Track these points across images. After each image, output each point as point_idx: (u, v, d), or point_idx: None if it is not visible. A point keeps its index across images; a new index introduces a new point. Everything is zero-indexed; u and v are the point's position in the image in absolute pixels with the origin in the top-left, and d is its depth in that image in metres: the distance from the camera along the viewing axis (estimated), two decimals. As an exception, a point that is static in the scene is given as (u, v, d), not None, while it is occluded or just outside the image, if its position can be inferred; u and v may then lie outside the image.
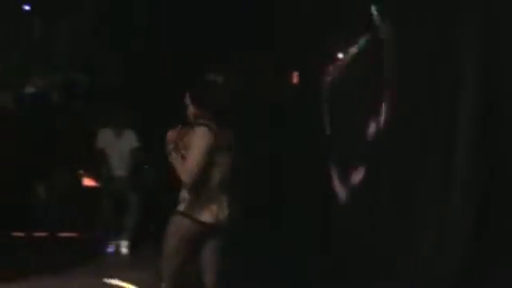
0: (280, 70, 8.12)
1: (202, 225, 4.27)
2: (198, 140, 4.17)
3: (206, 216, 4.28)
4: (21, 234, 7.93)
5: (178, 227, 4.30)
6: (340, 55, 7.13)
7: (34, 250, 7.09)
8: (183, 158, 4.21)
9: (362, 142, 6.25)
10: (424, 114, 5.24)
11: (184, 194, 4.28)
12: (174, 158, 4.25)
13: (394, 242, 5.52)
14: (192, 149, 4.17)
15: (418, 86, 5.29)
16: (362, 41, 6.47)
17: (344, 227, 6.56)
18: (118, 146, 7.82)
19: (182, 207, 4.29)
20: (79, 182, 8.45)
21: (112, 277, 6.54)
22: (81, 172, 8.37)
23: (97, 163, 7.87)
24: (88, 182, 8.36)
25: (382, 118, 5.92)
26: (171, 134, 4.26)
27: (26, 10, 9.51)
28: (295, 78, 8.18)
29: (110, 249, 7.91)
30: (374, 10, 6.20)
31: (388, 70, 5.77)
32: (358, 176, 6.45)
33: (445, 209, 4.94)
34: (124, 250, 7.91)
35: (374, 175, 6.11)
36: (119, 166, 7.88)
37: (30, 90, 9.06)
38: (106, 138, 7.86)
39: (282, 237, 7.09)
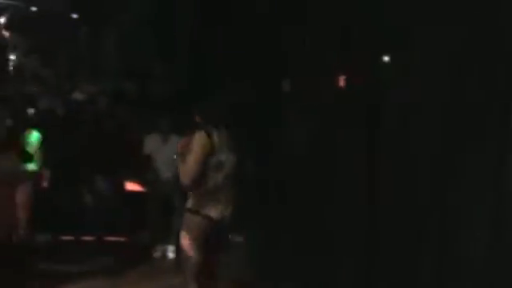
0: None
1: (210, 220, 4.60)
2: (196, 145, 4.49)
3: (212, 212, 4.61)
4: (69, 238, 7.89)
5: (190, 227, 4.61)
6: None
7: (82, 255, 7.17)
8: (183, 161, 4.54)
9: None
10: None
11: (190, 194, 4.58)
12: (179, 164, 4.59)
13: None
14: (190, 153, 4.51)
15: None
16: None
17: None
18: (165, 152, 7.77)
19: (189, 203, 4.64)
20: (126, 186, 8.36)
21: (159, 281, 6.72)
22: (127, 177, 8.33)
23: (144, 168, 7.93)
24: (133, 186, 8.34)
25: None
26: (181, 142, 4.64)
27: (74, 18, 9.73)
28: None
29: (157, 253, 7.91)
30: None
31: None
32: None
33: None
34: (171, 254, 7.88)
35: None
36: (166, 171, 7.85)
37: (78, 95, 9.17)
38: (152, 144, 7.91)
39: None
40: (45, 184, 7.55)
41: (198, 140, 4.56)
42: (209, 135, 4.58)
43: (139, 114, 8.40)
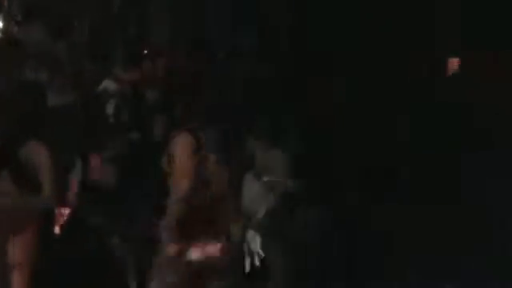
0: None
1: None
2: (178, 149, 4.58)
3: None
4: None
5: None
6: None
7: None
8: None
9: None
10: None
11: None
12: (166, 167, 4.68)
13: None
14: (175, 160, 4.61)
15: None
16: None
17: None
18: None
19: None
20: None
21: None
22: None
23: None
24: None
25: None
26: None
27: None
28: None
29: None
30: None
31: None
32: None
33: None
34: None
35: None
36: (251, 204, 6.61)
37: (110, 85, 7.70)
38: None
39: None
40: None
41: (180, 142, 4.64)
42: (191, 132, 4.66)
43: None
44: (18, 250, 5.20)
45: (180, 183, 4.59)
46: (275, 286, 6.32)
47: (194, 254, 4.62)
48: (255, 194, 6.33)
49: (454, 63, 7.31)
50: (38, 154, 5.25)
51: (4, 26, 7.99)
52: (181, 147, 4.59)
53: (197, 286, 4.79)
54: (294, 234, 6.46)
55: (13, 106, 5.46)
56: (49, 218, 5.66)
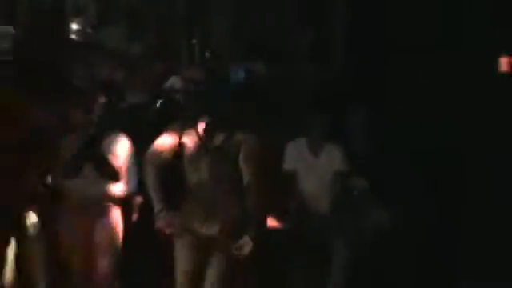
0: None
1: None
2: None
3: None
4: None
5: None
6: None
7: None
8: None
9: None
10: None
11: None
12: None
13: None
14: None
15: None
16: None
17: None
18: (315, 170, 6.48)
19: None
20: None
21: None
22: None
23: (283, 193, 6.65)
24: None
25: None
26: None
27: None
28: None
29: None
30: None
31: None
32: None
33: None
34: None
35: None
36: (317, 201, 6.51)
37: (176, 83, 8.07)
38: (295, 152, 6.70)
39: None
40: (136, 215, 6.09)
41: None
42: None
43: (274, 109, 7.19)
44: (102, 236, 5.55)
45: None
46: (336, 277, 6.44)
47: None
48: (322, 184, 6.46)
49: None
50: (119, 145, 5.64)
51: (81, 29, 8.49)
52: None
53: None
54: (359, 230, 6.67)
55: (95, 101, 5.83)
56: (129, 206, 5.97)
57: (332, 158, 6.39)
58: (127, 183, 5.71)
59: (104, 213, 5.61)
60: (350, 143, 6.80)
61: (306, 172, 6.37)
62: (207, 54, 8.49)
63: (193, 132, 5.07)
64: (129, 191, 5.76)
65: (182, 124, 5.08)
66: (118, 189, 5.68)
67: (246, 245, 4.90)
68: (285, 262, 6.54)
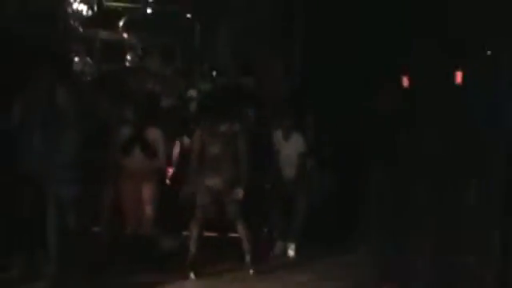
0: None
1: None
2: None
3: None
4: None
5: None
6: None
7: (201, 250, 6.93)
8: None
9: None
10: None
11: None
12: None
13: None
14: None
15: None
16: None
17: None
18: (286, 149, 7.84)
19: None
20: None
21: (281, 279, 6.83)
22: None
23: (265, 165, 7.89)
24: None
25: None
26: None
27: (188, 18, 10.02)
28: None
29: (277, 250, 7.90)
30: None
31: None
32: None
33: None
34: (291, 252, 7.86)
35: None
36: (287, 169, 7.87)
37: (192, 93, 9.41)
38: (275, 140, 7.90)
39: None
40: (168, 182, 7.64)
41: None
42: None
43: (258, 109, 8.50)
44: (147, 192, 6.85)
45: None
46: (298, 220, 7.81)
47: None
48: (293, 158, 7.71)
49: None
50: (155, 135, 6.89)
51: (132, 58, 9.80)
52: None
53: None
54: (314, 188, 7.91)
55: (142, 107, 7.14)
56: (162, 174, 7.35)
57: (296, 143, 7.84)
58: (160, 160, 6.95)
59: (147, 178, 6.89)
60: (307, 133, 8.07)
61: (281, 150, 7.84)
62: (214, 73, 9.82)
63: (210, 126, 6.62)
64: (161, 165, 7.05)
65: (204, 124, 6.61)
66: (155, 163, 6.93)
67: (239, 193, 6.67)
68: (266, 207, 7.91)
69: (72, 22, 9.40)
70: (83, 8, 9.60)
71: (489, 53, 6.77)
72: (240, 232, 6.83)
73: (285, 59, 9.72)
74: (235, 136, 6.65)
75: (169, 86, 9.13)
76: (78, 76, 8.74)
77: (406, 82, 8.16)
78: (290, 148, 7.75)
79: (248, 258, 6.84)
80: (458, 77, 7.34)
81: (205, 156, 6.61)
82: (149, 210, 6.83)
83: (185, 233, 7.06)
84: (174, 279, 6.55)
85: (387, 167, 6.64)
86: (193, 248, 6.58)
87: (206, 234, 6.92)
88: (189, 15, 10.07)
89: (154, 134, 6.82)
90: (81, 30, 9.65)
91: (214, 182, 6.63)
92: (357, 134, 7.92)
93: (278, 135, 7.82)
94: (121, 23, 10.20)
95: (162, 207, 7.06)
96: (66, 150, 5.82)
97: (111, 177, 6.79)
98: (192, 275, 6.58)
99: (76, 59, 9.34)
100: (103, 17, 9.78)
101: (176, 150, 7.76)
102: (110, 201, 6.87)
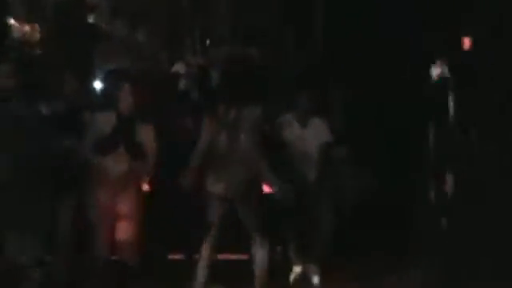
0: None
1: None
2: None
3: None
4: (179, 257, 7.16)
5: None
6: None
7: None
8: None
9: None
10: None
11: None
12: None
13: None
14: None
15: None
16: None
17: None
18: (303, 140, 6.83)
19: None
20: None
21: None
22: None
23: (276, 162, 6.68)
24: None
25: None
26: None
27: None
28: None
29: (295, 276, 6.89)
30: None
31: None
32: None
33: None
34: (315, 279, 6.82)
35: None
36: (304, 168, 6.83)
37: (180, 69, 8.68)
38: (286, 129, 6.90)
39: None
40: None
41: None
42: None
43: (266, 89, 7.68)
44: (127, 206, 5.96)
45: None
46: (322, 234, 6.93)
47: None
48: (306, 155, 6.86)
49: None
50: (146, 135, 6.01)
51: (96, 22, 8.98)
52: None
53: None
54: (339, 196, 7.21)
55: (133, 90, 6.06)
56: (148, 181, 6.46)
57: (317, 129, 6.80)
58: (150, 165, 6.06)
59: (130, 188, 5.97)
60: (330, 117, 7.24)
61: (295, 142, 6.75)
62: (207, 43, 9.04)
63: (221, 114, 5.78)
64: (150, 171, 6.15)
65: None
66: (143, 168, 6.03)
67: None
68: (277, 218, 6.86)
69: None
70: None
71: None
72: (257, 253, 6.07)
73: (298, 26, 8.84)
74: (255, 125, 5.95)
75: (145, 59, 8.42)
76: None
77: (467, 43, 7.69)
78: (309, 137, 6.80)
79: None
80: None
81: (213, 154, 5.87)
82: (129, 230, 6.05)
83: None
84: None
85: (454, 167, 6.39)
86: (201, 276, 5.91)
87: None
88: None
89: (144, 131, 6.07)
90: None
91: (224, 187, 5.89)
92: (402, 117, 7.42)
93: (290, 122, 6.90)
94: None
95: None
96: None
97: (78, 184, 6.05)
98: None
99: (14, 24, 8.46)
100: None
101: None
102: (74, 219, 6.20)
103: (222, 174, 5.86)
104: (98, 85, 7.74)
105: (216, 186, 5.88)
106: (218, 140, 5.92)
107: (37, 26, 8.52)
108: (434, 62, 7.79)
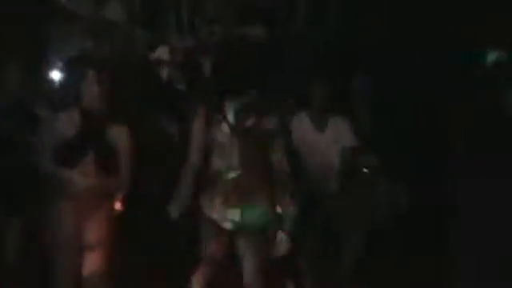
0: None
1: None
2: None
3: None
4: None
5: None
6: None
7: None
8: None
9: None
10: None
11: None
12: None
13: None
14: None
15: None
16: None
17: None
18: (320, 145, 6.11)
19: None
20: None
21: None
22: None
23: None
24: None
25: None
26: None
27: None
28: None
29: None
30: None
31: None
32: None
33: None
34: None
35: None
36: (322, 178, 6.10)
37: (163, 55, 7.89)
38: (300, 129, 6.17)
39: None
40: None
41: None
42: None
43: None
44: (94, 229, 5.30)
45: None
46: (347, 258, 6.28)
47: None
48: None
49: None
50: (121, 140, 5.32)
51: None
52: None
53: None
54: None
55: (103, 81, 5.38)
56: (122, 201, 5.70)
57: (338, 132, 6.07)
58: (124, 177, 5.37)
59: (98, 207, 5.28)
60: (354, 114, 6.60)
61: (311, 149, 6.02)
62: (197, 22, 8.26)
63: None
64: (122, 186, 5.44)
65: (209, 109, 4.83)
66: (114, 183, 5.35)
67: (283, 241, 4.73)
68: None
69: None
70: None
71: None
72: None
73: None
74: (269, 137, 5.01)
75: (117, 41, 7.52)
76: None
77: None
78: (327, 142, 6.10)
79: None
80: None
81: (209, 171, 5.05)
82: (97, 261, 5.34)
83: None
84: None
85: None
86: None
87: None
88: None
89: (117, 134, 5.32)
90: None
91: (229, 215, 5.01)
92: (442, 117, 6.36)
93: (303, 123, 6.21)
94: None
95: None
96: None
97: (30, 202, 5.49)
98: None
99: None
100: None
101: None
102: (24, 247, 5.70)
103: (224, 195, 4.92)
104: (55, 75, 7.13)
105: (215, 211, 4.95)
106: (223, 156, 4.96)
107: None
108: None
